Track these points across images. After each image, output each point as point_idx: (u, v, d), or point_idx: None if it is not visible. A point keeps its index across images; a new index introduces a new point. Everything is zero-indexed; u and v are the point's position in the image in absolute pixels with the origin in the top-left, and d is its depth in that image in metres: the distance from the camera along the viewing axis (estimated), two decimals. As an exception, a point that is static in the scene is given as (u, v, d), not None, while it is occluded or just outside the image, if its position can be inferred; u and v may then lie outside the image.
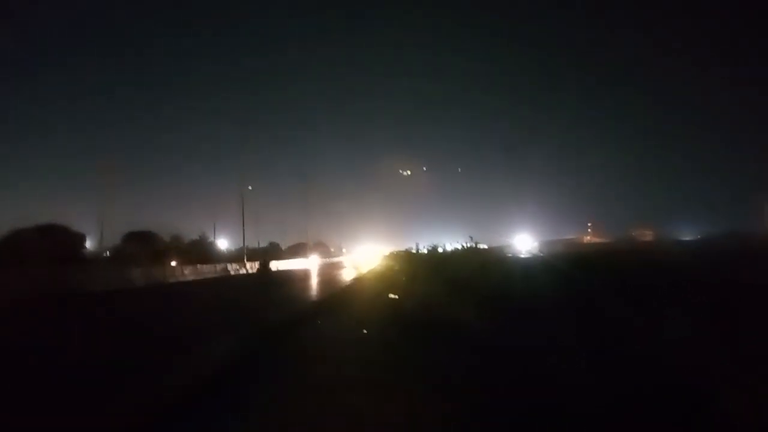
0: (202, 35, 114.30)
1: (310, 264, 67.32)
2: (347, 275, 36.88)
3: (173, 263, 40.98)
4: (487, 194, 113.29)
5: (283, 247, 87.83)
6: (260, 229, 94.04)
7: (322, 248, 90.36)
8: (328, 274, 41.36)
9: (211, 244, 65.88)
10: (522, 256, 54.80)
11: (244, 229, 59.47)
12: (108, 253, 49.54)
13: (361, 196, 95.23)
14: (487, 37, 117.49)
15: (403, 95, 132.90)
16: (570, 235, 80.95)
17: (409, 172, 67.38)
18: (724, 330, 7.94)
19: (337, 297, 19.76)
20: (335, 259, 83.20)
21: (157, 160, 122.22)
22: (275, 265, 54.71)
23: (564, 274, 25.06)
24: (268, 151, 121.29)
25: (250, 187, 61.63)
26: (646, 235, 65.56)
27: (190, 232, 66.21)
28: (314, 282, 31.49)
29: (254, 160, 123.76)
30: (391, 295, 17.10)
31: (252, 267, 51.98)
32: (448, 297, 14.56)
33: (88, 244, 49.47)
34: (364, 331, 10.58)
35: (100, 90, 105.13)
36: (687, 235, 65.51)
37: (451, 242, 44.70)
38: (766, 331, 7.59)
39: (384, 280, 25.87)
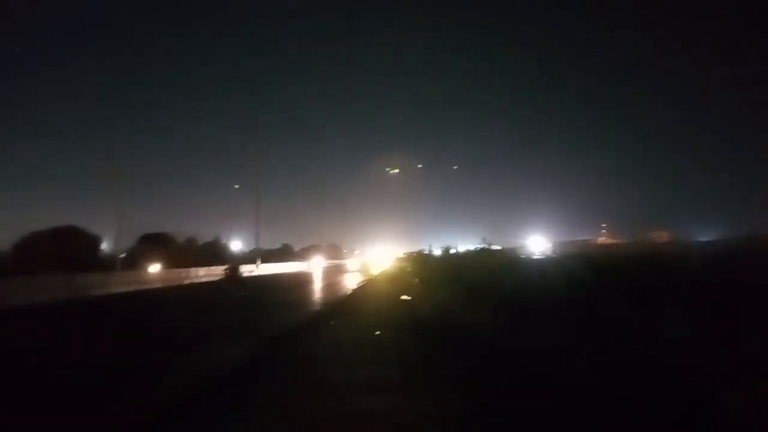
0: (202, 35, 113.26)
1: (311, 267, 62.77)
2: (350, 282, 31.55)
3: (152, 267, 41.25)
4: (502, 195, 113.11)
5: (297, 249, 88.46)
6: (276, 230, 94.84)
7: (334, 250, 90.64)
8: (328, 279, 36.86)
9: (225, 246, 66.54)
10: (535, 257, 54.54)
11: (258, 231, 60.08)
12: (124, 254, 50.26)
13: (374, 197, 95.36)
14: (487, 37, 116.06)
15: (403, 95, 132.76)
16: (584, 237, 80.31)
17: (397, 170, 67.23)
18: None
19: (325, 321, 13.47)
20: (342, 261, 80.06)
21: (173, 162, 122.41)
22: (264, 269, 53.59)
23: (576, 276, 24.81)
24: (278, 152, 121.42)
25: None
26: (663, 236, 64.75)
27: (205, 235, 67.20)
28: (294, 295, 22.79)
29: (267, 162, 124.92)
30: (404, 297, 17.62)
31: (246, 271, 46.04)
32: (461, 299, 14.62)
33: (104, 246, 50.38)
34: (377, 333, 10.70)
35: (100, 90, 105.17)
36: (704, 237, 64.57)
37: (464, 243, 44.80)
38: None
39: (396, 282, 25.93)
